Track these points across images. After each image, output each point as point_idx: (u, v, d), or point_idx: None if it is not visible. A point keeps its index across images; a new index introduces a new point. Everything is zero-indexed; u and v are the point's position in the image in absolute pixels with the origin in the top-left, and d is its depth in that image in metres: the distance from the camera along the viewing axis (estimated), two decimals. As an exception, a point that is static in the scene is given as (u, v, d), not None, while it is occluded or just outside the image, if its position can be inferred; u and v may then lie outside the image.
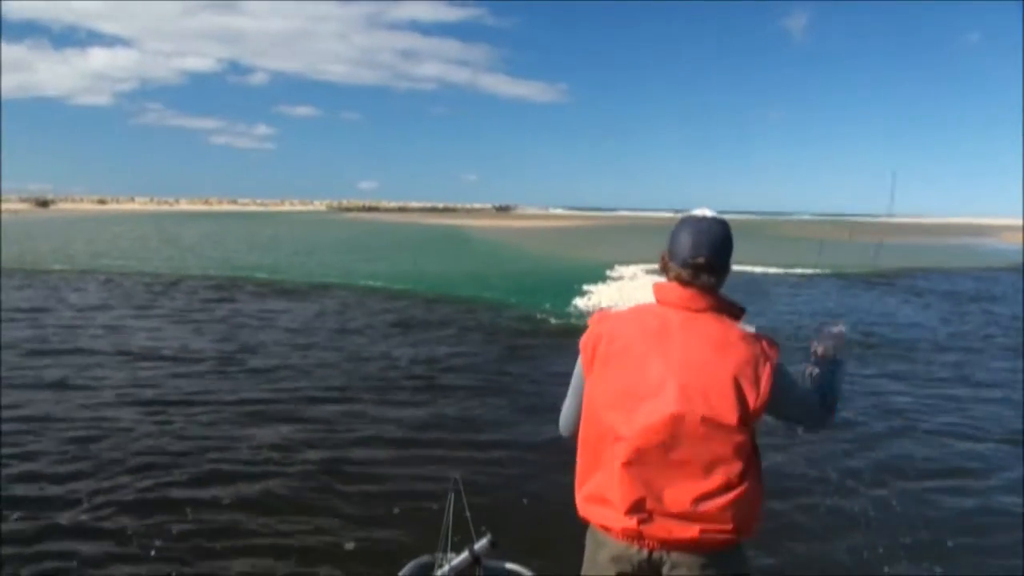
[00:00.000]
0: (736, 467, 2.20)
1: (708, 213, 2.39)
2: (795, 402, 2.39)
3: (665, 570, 2.29)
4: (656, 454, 2.21)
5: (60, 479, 7.03)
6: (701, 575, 2.27)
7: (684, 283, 2.32)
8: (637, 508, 2.24)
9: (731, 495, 2.20)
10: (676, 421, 2.18)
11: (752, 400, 2.18)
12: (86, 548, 5.70)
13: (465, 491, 2.57)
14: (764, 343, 2.26)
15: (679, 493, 2.20)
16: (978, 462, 8.06)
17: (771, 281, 27.46)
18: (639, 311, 2.39)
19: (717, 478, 2.19)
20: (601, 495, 2.32)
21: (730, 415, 2.16)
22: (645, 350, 2.27)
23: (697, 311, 2.30)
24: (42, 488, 6.80)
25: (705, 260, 2.29)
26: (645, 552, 2.28)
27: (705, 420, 2.16)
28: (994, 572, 5.72)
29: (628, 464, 2.23)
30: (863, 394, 10.65)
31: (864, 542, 6.03)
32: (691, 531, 2.21)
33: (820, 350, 2.62)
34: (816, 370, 2.58)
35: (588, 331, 2.42)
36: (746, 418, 2.18)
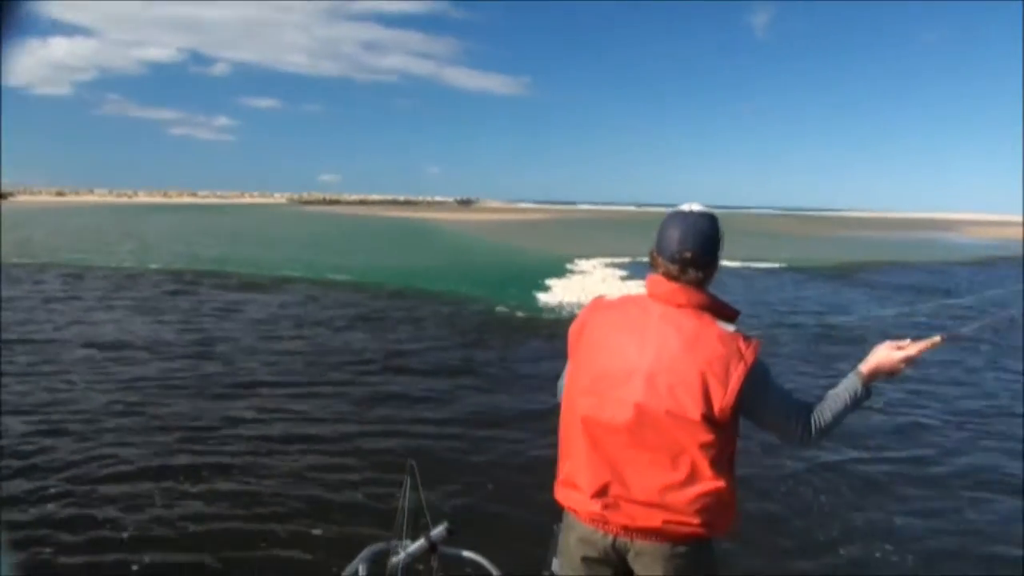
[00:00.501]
0: (703, 462, 2.19)
1: (695, 208, 2.36)
2: (770, 409, 2.32)
3: (630, 556, 2.31)
4: (622, 441, 2.23)
5: (24, 462, 7.13)
6: (664, 565, 2.27)
7: (671, 278, 2.31)
8: (602, 493, 2.26)
9: (696, 490, 2.20)
10: (641, 411, 2.20)
11: (719, 398, 2.16)
12: (50, 531, 5.69)
13: (422, 478, 2.56)
14: (740, 342, 2.22)
15: (644, 481, 2.22)
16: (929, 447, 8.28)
17: (731, 274, 27.78)
18: (626, 301, 2.40)
19: (682, 470, 2.20)
20: (572, 479, 2.35)
21: (693, 410, 2.15)
22: (622, 340, 2.30)
23: (679, 306, 2.29)
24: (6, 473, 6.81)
25: (692, 254, 2.27)
26: (610, 537, 2.30)
27: (669, 413, 2.17)
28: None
29: (595, 449, 2.27)
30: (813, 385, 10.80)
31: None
32: (654, 520, 2.23)
33: (865, 368, 2.46)
34: (845, 382, 2.46)
35: (577, 318, 2.44)
36: (710, 415, 2.16)
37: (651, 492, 2.22)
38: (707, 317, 2.28)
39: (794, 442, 2.38)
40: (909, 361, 2.46)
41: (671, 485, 2.20)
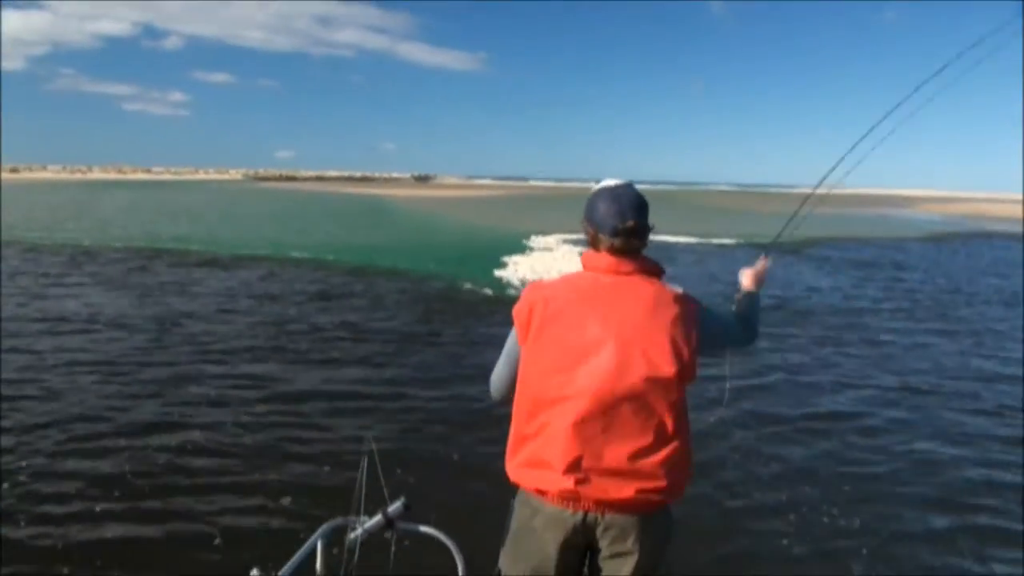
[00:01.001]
0: (670, 424, 2.28)
1: (617, 181, 2.47)
2: (720, 332, 2.56)
3: (599, 532, 2.34)
4: (597, 412, 2.26)
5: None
6: (634, 536, 2.33)
7: (615, 250, 2.39)
8: (574, 468, 2.27)
9: (664, 452, 2.27)
10: (616, 378, 2.24)
11: (687, 353, 2.28)
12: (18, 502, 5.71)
13: (381, 455, 2.57)
14: (687, 296, 2.39)
15: (616, 451, 2.26)
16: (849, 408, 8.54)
17: (688, 250, 28.02)
18: (569, 278, 2.44)
19: (651, 434, 2.26)
20: (538, 458, 2.34)
21: (668, 370, 2.24)
22: (581, 312, 2.32)
23: (626, 274, 2.38)
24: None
25: (635, 223, 2.37)
26: (580, 514, 2.33)
27: (644, 378, 2.24)
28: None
29: (571, 424, 2.27)
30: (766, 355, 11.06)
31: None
32: (626, 490, 2.27)
33: (745, 282, 2.94)
34: (742, 297, 2.90)
35: (521, 300, 2.45)
36: (683, 371, 2.26)
37: (622, 460, 2.25)
38: (656, 281, 2.39)
39: (741, 345, 2.77)
40: (764, 271, 3.03)
41: (640, 449, 2.26)
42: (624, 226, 2.36)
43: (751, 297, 2.89)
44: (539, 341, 2.36)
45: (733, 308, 2.86)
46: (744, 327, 2.75)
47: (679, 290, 2.40)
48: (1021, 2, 3.16)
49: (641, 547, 2.34)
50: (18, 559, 5.20)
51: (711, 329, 2.44)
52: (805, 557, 5.56)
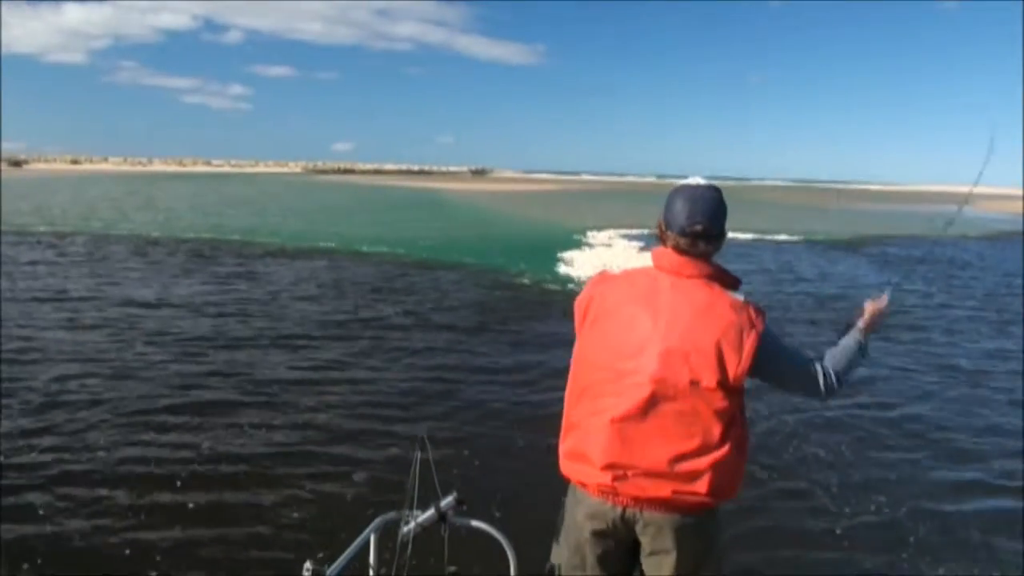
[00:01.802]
0: (716, 431, 2.24)
1: (700, 181, 2.40)
2: (784, 370, 2.42)
3: (638, 528, 2.35)
4: (636, 412, 2.26)
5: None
6: (672, 535, 2.32)
7: (681, 251, 2.35)
8: (612, 465, 2.28)
9: (708, 458, 2.24)
10: (657, 381, 2.23)
11: (734, 366, 2.21)
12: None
13: (434, 448, 2.58)
14: (751, 310, 2.28)
15: (656, 452, 2.25)
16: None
17: (753, 246, 27.69)
18: (632, 274, 2.43)
19: (695, 440, 2.23)
20: (580, 451, 2.36)
21: (710, 378, 2.20)
22: (633, 311, 2.32)
23: (688, 277, 2.33)
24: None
25: (702, 228, 2.31)
26: (619, 509, 2.33)
27: (686, 381, 2.21)
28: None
29: (610, 420, 2.28)
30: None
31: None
32: (664, 490, 2.26)
33: (861, 319, 2.67)
34: (846, 337, 2.62)
35: (583, 292, 2.47)
36: (726, 383, 2.21)
37: (662, 462, 2.24)
38: (716, 287, 2.34)
39: (816, 395, 2.47)
40: (884, 315, 2.70)
41: (681, 454, 2.24)
42: (691, 228, 2.31)
43: (856, 343, 2.59)
44: (591, 334, 2.38)
45: (836, 340, 2.64)
46: (823, 376, 2.46)
47: (741, 298, 2.31)
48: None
49: (680, 547, 2.33)
50: (56, 553, 5.22)
51: (773, 361, 2.34)
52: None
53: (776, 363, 2.36)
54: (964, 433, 8.05)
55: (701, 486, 2.24)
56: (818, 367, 2.46)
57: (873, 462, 7.18)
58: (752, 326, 2.25)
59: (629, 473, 2.27)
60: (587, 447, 2.33)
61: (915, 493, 6.50)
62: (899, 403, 9.00)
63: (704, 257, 2.36)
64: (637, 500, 2.30)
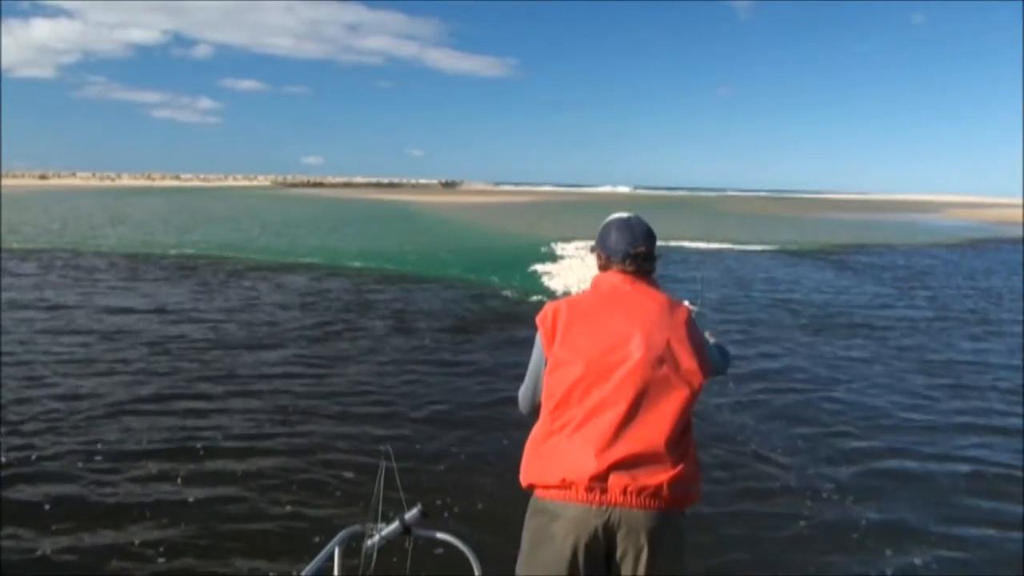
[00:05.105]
0: (690, 420, 2.41)
1: (627, 214, 2.71)
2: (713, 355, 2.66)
3: (620, 535, 2.32)
4: (629, 399, 2.33)
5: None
6: (648, 535, 2.31)
7: (627, 273, 2.59)
8: (607, 459, 2.29)
9: (691, 450, 2.40)
10: (645, 367, 2.35)
11: (702, 349, 2.46)
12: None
13: (399, 461, 2.59)
14: (688, 309, 2.58)
15: (650, 440, 2.31)
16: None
17: (716, 256, 27.89)
18: (593, 285, 2.65)
19: (680, 430, 2.36)
20: (565, 450, 2.35)
21: (690, 361, 2.39)
22: (607, 310, 2.48)
23: (641, 286, 2.59)
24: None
25: (645, 248, 2.60)
26: (605, 512, 2.30)
27: (674, 367, 2.37)
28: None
29: (604, 411, 2.33)
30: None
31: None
32: (658, 477, 2.29)
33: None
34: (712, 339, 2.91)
35: (543, 310, 2.55)
36: (703, 364, 2.41)
37: (658, 449, 2.31)
38: (664, 293, 2.59)
39: (720, 373, 2.81)
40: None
41: (673, 444, 2.33)
42: (635, 250, 2.58)
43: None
44: (567, 340, 2.45)
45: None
46: (725, 360, 2.89)
47: (685, 301, 2.67)
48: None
49: (657, 545, 2.33)
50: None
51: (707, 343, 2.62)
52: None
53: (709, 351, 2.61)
54: (913, 423, 8.67)
55: (688, 477, 2.34)
56: (721, 358, 2.85)
57: (827, 453, 7.58)
58: (692, 320, 2.54)
59: (624, 465, 2.29)
60: (574, 448, 2.33)
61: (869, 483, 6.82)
62: (855, 395, 9.68)
63: (648, 274, 2.63)
64: (625, 492, 2.29)
